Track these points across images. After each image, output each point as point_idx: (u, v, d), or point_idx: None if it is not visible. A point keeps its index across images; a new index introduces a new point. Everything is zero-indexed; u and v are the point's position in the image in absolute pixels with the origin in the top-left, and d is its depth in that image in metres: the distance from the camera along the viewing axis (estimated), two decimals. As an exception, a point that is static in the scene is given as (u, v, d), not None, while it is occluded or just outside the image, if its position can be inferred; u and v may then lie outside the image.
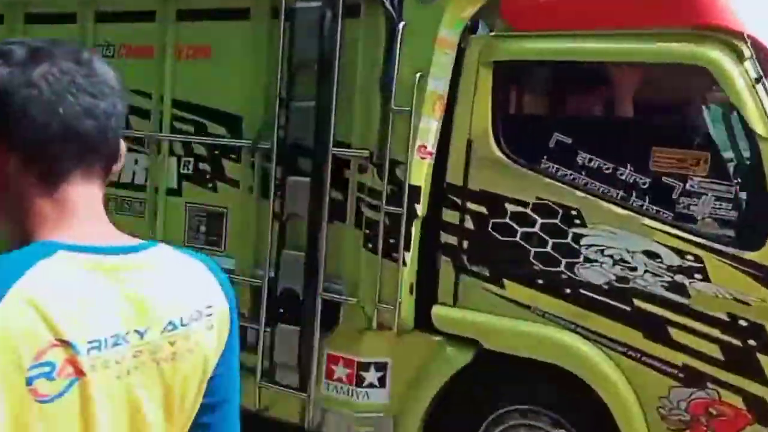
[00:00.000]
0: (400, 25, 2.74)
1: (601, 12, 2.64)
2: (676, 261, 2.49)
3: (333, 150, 2.93)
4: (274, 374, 3.17)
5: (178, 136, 3.44)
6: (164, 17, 3.38)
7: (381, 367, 3.06)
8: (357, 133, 2.93)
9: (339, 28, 2.86)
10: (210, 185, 3.38)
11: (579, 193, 2.67)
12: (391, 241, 2.86)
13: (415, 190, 2.81)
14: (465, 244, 2.88)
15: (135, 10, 3.55)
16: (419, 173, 2.82)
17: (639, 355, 2.58)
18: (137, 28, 3.56)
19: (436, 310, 2.89)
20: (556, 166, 2.72)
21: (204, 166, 3.40)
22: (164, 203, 3.46)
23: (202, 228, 3.41)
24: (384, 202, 2.83)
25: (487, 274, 2.85)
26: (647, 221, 2.57)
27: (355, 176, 2.97)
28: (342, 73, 2.89)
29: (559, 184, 2.70)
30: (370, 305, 2.92)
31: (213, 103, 3.33)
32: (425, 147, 2.81)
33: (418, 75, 2.75)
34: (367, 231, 2.93)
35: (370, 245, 2.93)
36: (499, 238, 2.81)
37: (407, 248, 2.84)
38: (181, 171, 3.46)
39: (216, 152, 3.35)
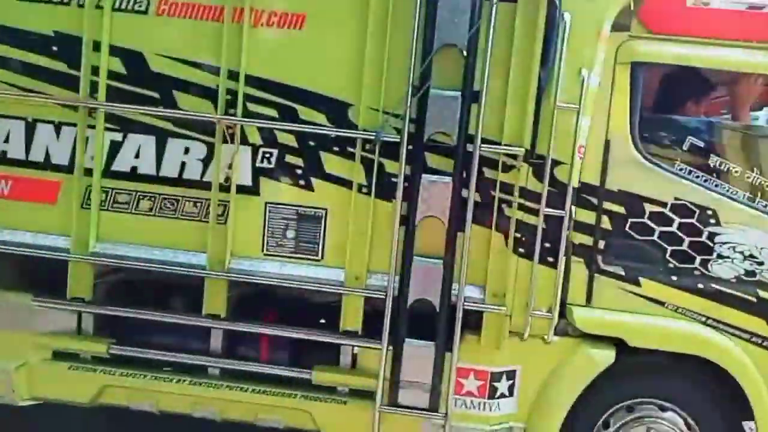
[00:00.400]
0: (567, 17, 2.58)
1: (738, 25, 2.80)
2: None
3: (483, 147, 2.66)
4: (396, 397, 2.82)
5: (260, 121, 2.80)
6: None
7: (511, 375, 2.92)
8: (507, 129, 2.70)
9: (494, 12, 2.59)
10: (302, 182, 2.83)
11: (714, 194, 2.83)
12: (546, 245, 2.73)
13: (575, 192, 2.71)
14: (601, 244, 2.87)
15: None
16: (577, 174, 2.72)
17: (762, 341, 2.85)
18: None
19: (577, 312, 2.85)
20: (690, 167, 2.85)
21: (294, 159, 2.83)
22: (234, 204, 2.82)
23: (290, 233, 2.85)
24: (544, 204, 2.68)
25: (623, 273, 2.88)
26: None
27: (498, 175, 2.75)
28: (491, 61, 2.64)
29: (695, 185, 2.84)
30: (522, 313, 2.76)
31: (307, 84, 2.78)
32: (583, 147, 2.71)
33: (585, 71, 2.63)
34: (518, 234, 2.74)
35: (521, 250, 2.75)
36: (637, 237, 2.85)
37: (566, 253, 2.74)
38: (258, 165, 2.84)
39: (312, 143, 2.81)
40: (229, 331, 3.00)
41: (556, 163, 2.68)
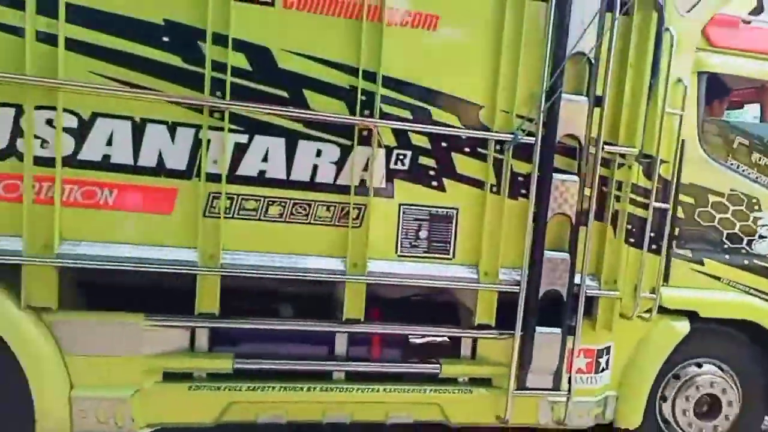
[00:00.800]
0: (673, 31, 2.92)
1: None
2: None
3: (607, 147, 2.94)
4: (524, 381, 3.04)
5: (401, 123, 2.78)
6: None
7: (608, 351, 3.28)
8: (622, 131, 2.99)
9: (616, 24, 2.84)
10: (435, 183, 2.88)
11: (756, 185, 3.40)
12: (652, 234, 3.09)
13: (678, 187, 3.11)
14: (677, 231, 3.31)
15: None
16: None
17: None
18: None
19: (666, 292, 3.27)
20: (739, 163, 3.39)
21: (427, 160, 2.85)
22: (371, 206, 2.78)
23: (423, 233, 2.89)
24: (653, 198, 3.03)
25: (691, 255, 3.36)
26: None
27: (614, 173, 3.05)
28: (613, 70, 2.91)
29: (744, 178, 3.38)
30: (631, 296, 3.11)
31: (441, 85, 2.81)
32: (671, 146, 3.11)
33: (686, 80, 3.01)
34: (629, 227, 3.07)
35: (631, 240, 3.08)
36: (702, 223, 3.34)
37: (669, 241, 3.13)
38: (392, 166, 2.83)
39: (444, 144, 2.86)
40: (353, 333, 2.97)
41: (661, 161, 3.05)
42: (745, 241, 3.42)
